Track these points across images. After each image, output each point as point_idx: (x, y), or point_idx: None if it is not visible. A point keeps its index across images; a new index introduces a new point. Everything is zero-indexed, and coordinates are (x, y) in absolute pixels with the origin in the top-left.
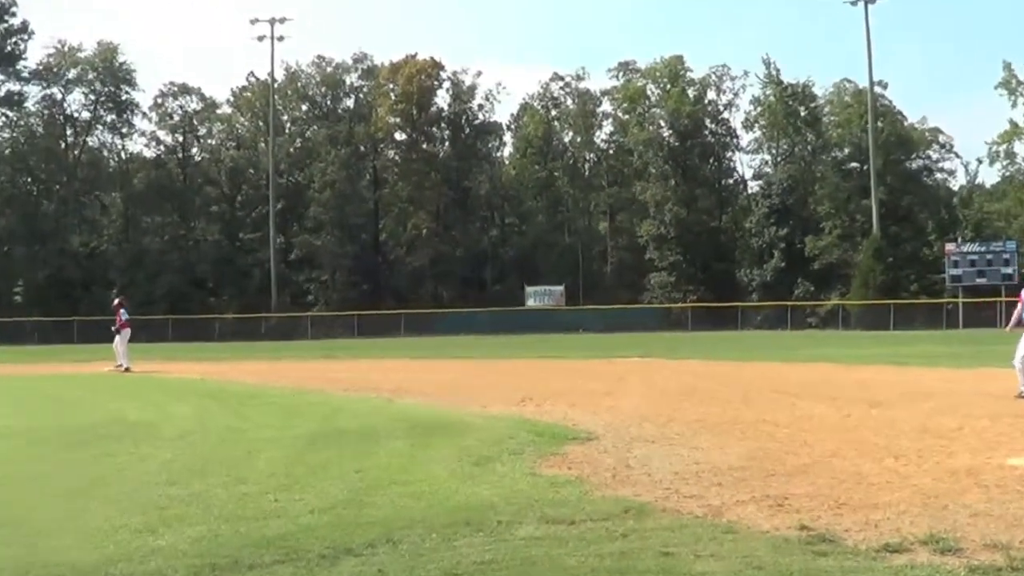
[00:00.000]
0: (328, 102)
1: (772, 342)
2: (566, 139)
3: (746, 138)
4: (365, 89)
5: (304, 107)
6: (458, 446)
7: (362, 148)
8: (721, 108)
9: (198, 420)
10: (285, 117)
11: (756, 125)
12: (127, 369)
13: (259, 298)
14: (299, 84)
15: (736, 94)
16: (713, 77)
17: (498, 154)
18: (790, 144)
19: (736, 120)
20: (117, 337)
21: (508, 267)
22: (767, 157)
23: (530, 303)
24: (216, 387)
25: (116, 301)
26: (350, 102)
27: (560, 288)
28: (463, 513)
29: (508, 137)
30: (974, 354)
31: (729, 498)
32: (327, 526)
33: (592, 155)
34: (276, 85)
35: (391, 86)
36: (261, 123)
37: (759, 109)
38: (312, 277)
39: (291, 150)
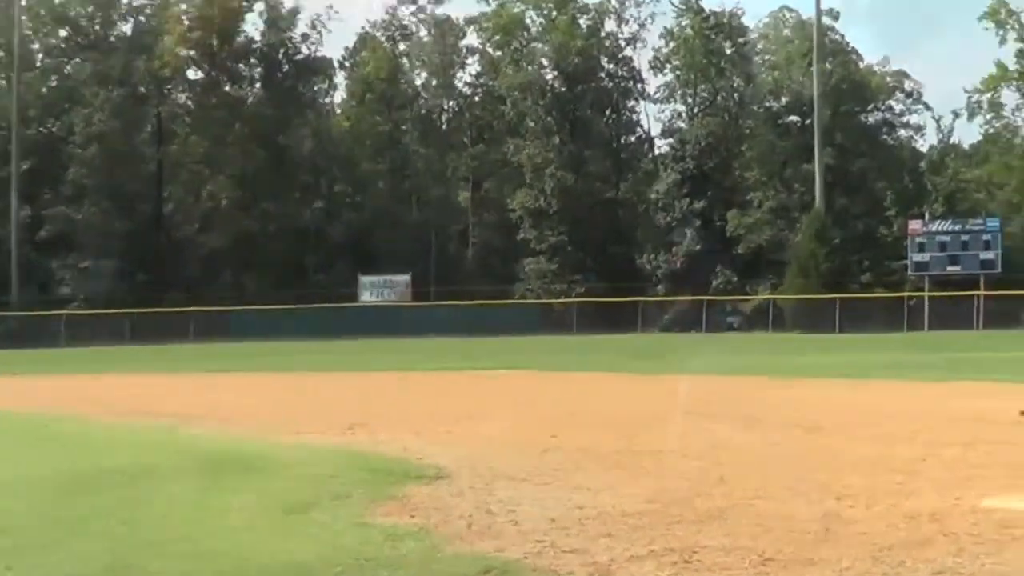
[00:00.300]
0: (96, 26)
1: (683, 348)
2: (417, 82)
3: (654, 83)
4: (148, 10)
5: (63, 32)
6: (264, 489)
7: (142, 89)
8: (622, 44)
9: None
10: (36, 45)
11: (668, 66)
12: None
13: None
14: (55, 0)
15: (643, 25)
16: (613, 2)
17: (327, 100)
18: (711, 91)
19: (642, 60)
20: None
21: (337, 250)
22: (680, 108)
23: (366, 297)
24: None
25: None
26: (127, 27)
27: (406, 278)
28: None
29: (340, 78)
30: (944, 363)
31: (621, 553)
32: None
33: (452, 103)
34: (23, 1)
35: (183, 7)
36: (1, 52)
37: (672, 45)
38: (69, 263)
39: (43, 91)
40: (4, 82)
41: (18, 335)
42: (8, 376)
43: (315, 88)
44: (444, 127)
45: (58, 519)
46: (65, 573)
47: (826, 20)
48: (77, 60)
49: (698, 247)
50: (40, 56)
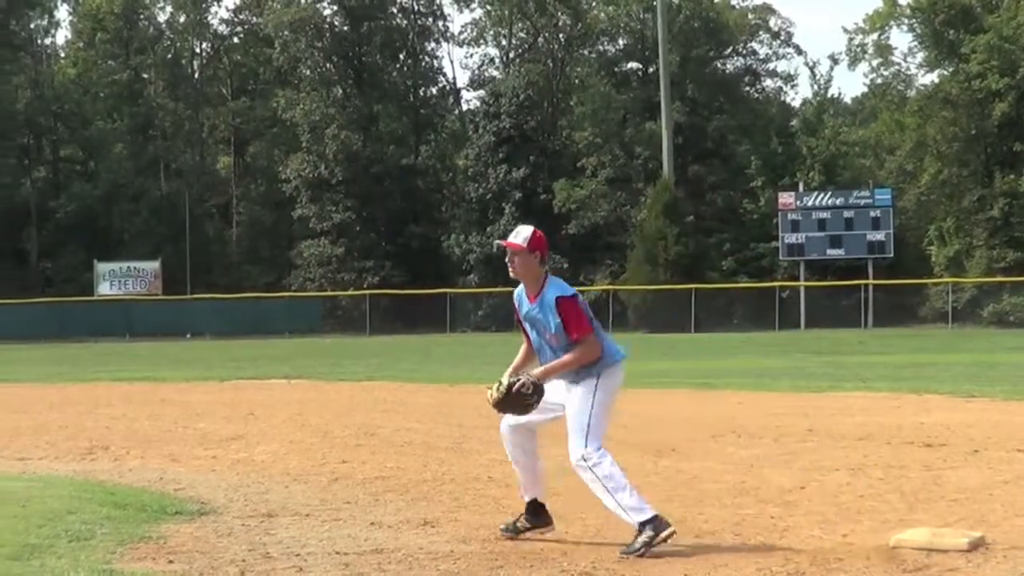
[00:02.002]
0: None
1: (500, 351)
2: (161, 19)
3: (459, 21)
4: None
5: None
6: None
7: None
8: None
9: None
10: None
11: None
12: None
13: None
14: None
15: None
16: None
17: (47, 41)
18: (530, 31)
19: None
20: None
21: (66, 231)
22: (493, 52)
23: (104, 290)
24: None
25: None
26: None
27: (154, 266)
28: None
29: (63, 13)
30: (825, 369)
31: None
32: None
33: (206, 45)
34: None
35: None
36: None
37: None
38: None
39: None
40: None
41: None
42: None
43: (32, 25)
44: (196, 75)
45: None
46: None
47: None
48: None
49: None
50: None
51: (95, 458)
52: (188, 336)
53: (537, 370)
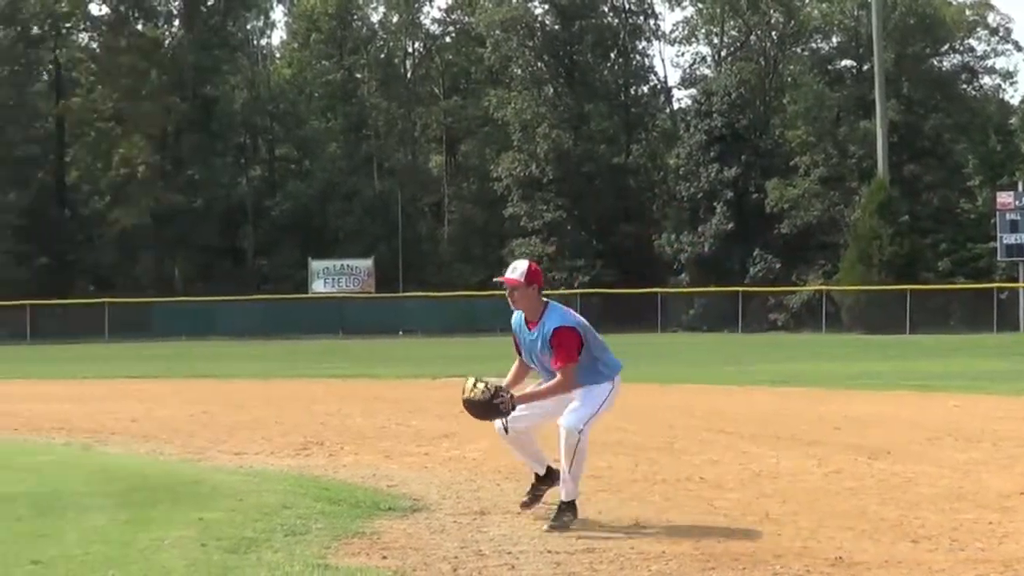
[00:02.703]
0: None
1: (712, 351)
2: (374, 19)
3: (671, 19)
4: None
5: None
6: (200, 521)
7: (35, 29)
8: None
9: None
10: None
11: None
12: None
13: None
14: None
15: None
16: None
17: (263, 42)
18: (743, 30)
19: None
20: None
21: (281, 229)
22: (704, 51)
23: (318, 288)
24: None
25: None
26: None
27: (367, 264)
28: None
29: (279, 14)
30: None
31: None
32: None
33: (418, 45)
34: None
35: None
36: None
37: None
38: None
39: None
40: None
41: None
42: None
43: (248, 27)
44: (409, 75)
45: None
46: None
47: None
48: None
49: (730, 226)
50: None
51: (310, 454)
52: (400, 333)
53: (520, 393)
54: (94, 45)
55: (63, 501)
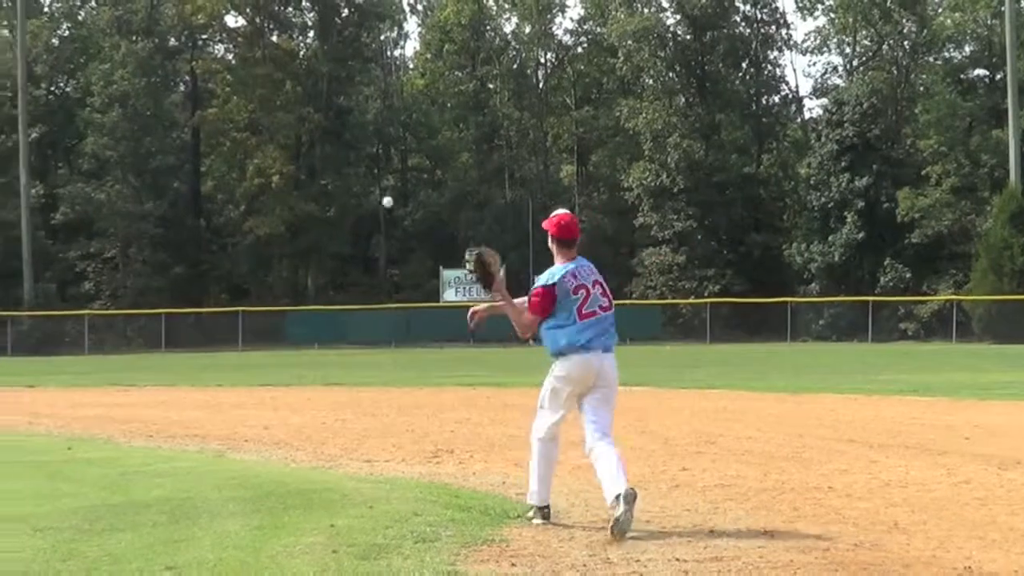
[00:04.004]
0: None
1: (842, 361)
2: (507, 29)
3: (803, 29)
4: None
5: None
6: (331, 528)
7: (173, 40)
8: None
9: None
10: None
11: (819, 8)
12: None
13: (2, 286)
14: None
15: None
16: None
17: (397, 53)
18: (875, 39)
19: (787, 0)
20: None
21: (413, 238)
22: (836, 60)
23: (449, 296)
24: None
25: None
26: None
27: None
28: None
29: (412, 25)
30: None
31: None
32: None
33: (550, 56)
34: None
35: None
36: None
37: None
38: (91, 253)
39: (53, 41)
40: (7, 32)
41: (33, 340)
42: (21, 389)
43: (381, 38)
44: (541, 85)
45: (88, 560)
46: None
47: None
48: (92, 4)
49: (861, 235)
50: (48, 0)
51: (440, 461)
52: (530, 342)
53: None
54: (230, 56)
55: (197, 507)
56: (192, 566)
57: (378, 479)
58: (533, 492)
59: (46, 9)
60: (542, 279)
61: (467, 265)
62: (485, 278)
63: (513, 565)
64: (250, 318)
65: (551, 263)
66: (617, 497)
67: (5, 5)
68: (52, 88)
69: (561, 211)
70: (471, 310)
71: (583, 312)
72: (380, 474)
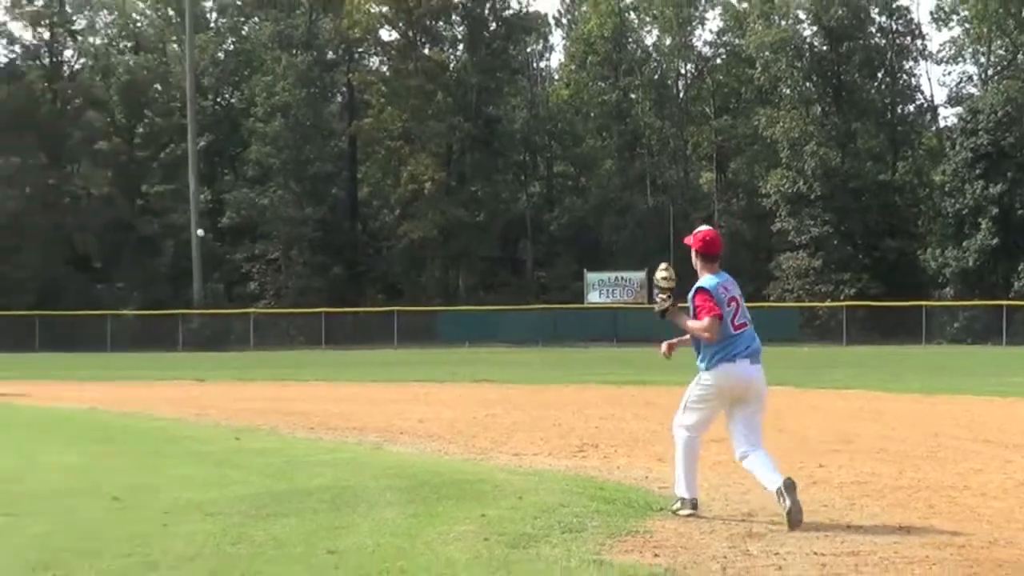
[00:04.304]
0: None
1: (976, 363)
2: (648, 41)
3: (937, 39)
4: None
5: None
6: (483, 518)
7: (330, 53)
8: None
9: (84, 474)
10: (209, 3)
11: (954, 18)
12: None
13: (174, 287)
14: None
15: None
16: None
17: (542, 64)
18: (1010, 48)
19: (922, 11)
20: None
21: (559, 242)
22: (971, 70)
23: (593, 298)
24: (111, 423)
25: None
26: None
27: (639, 276)
28: None
29: (557, 37)
30: None
31: None
32: None
33: (690, 67)
34: None
35: None
36: (172, 11)
37: None
38: (256, 255)
39: (219, 55)
40: (176, 46)
41: (202, 337)
42: (192, 383)
43: (528, 50)
44: (682, 95)
45: (255, 544)
46: None
47: None
48: (255, 19)
49: (995, 241)
50: (214, 16)
51: (585, 455)
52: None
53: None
54: (384, 68)
55: (356, 495)
56: (352, 551)
57: (527, 471)
58: (680, 484)
59: (212, 25)
60: (698, 286)
61: (659, 277)
62: (671, 294)
63: (656, 555)
64: (404, 317)
65: (695, 276)
66: (778, 491)
67: (175, 21)
68: (218, 99)
69: (704, 227)
70: (666, 344)
71: (735, 323)
72: (528, 467)
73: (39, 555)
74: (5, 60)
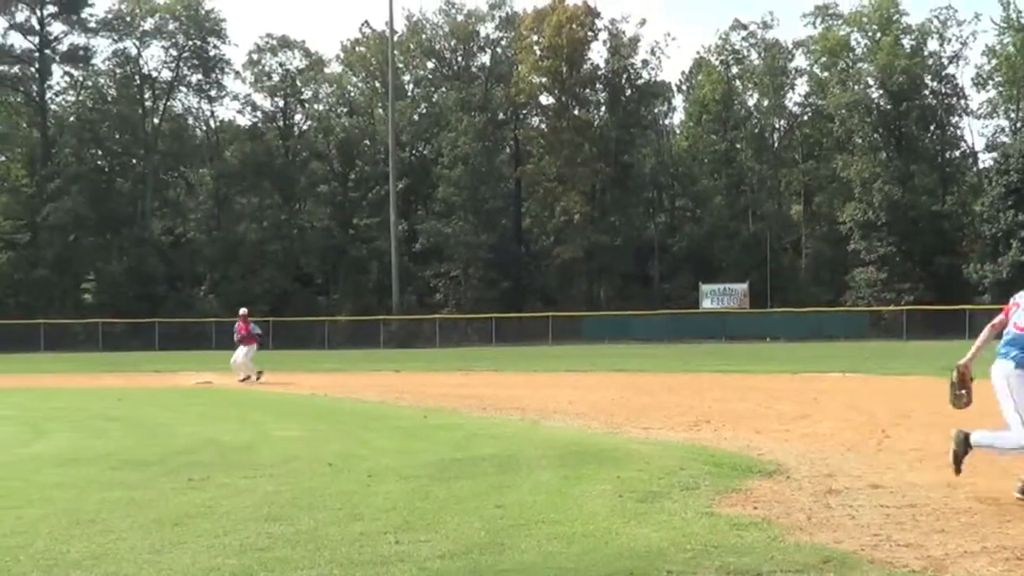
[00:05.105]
0: (459, 58)
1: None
2: (750, 102)
3: (977, 99)
4: (504, 42)
5: (430, 64)
6: (618, 478)
7: (501, 115)
8: (945, 62)
9: (305, 444)
10: (407, 76)
11: (990, 82)
12: (260, 374)
13: (377, 297)
14: (423, 36)
15: (964, 44)
16: (935, 23)
17: (666, 122)
18: None
19: (964, 77)
20: (245, 350)
21: (679, 260)
22: (1004, 123)
23: (706, 304)
24: (327, 405)
25: (244, 312)
26: (485, 58)
27: (743, 287)
28: (626, 560)
29: (678, 101)
30: None
31: (954, 548)
32: (461, 573)
33: (783, 122)
34: (396, 38)
35: (535, 38)
36: (378, 84)
37: (994, 62)
38: (441, 272)
39: (414, 117)
40: (381, 111)
41: (399, 337)
42: (390, 373)
43: (655, 110)
44: (776, 145)
45: (439, 500)
46: (446, 547)
47: None
48: (443, 89)
49: (1023, 257)
50: (411, 86)
51: (699, 429)
52: (768, 340)
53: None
54: (543, 126)
55: (518, 461)
56: (515, 505)
57: (653, 442)
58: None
59: (409, 94)
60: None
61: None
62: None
63: (755, 508)
64: (557, 321)
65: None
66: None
67: (380, 91)
68: (413, 151)
69: None
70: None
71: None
72: (654, 438)
73: (269, 509)
74: (250, 123)
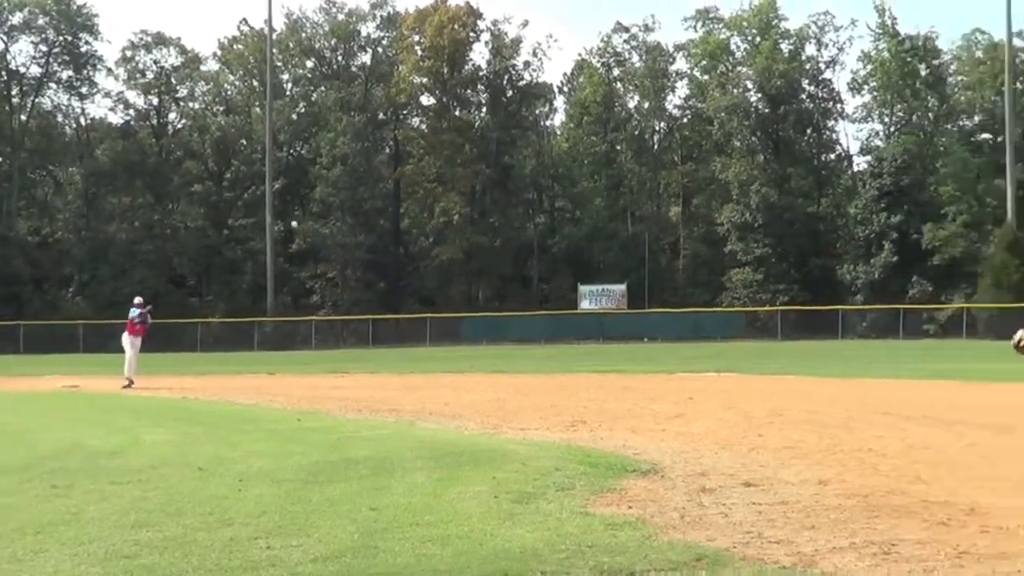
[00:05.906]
0: (339, 57)
1: (880, 354)
2: (631, 105)
3: (852, 104)
4: (385, 42)
5: (309, 63)
6: (493, 480)
7: (381, 115)
8: (822, 67)
9: (175, 449)
10: (285, 76)
11: (865, 87)
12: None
13: (252, 298)
14: (303, 35)
15: (841, 49)
16: (813, 28)
17: (547, 123)
18: (907, 111)
19: (841, 81)
20: (135, 342)
21: (558, 261)
22: (878, 127)
23: (584, 305)
24: (199, 408)
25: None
26: (366, 57)
27: (621, 287)
28: (500, 562)
29: (560, 102)
30: None
31: (824, 544)
32: None
33: (662, 124)
34: (275, 36)
35: (416, 38)
36: (256, 83)
37: (869, 68)
38: (317, 273)
39: (293, 116)
40: (258, 109)
41: (274, 339)
42: (264, 376)
43: (537, 112)
44: (656, 147)
45: (311, 504)
46: (319, 551)
47: (1017, 42)
48: (322, 88)
49: (895, 259)
50: (289, 85)
51: (576, 429)
52: (645, 340)
53: None
54: (423, 126)
55: (393, 463)
56: (389, 507)
57: (530, 443)
58: None
59: (288, 93)
60: None
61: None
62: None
63: (630, 508)
64: (435, 322)
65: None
66: None
67: (258, 90)
68: (291, 151)
69: None
70: None
71: None
72: (531, 439)
73: (136, 515)
74: (122, 121)
